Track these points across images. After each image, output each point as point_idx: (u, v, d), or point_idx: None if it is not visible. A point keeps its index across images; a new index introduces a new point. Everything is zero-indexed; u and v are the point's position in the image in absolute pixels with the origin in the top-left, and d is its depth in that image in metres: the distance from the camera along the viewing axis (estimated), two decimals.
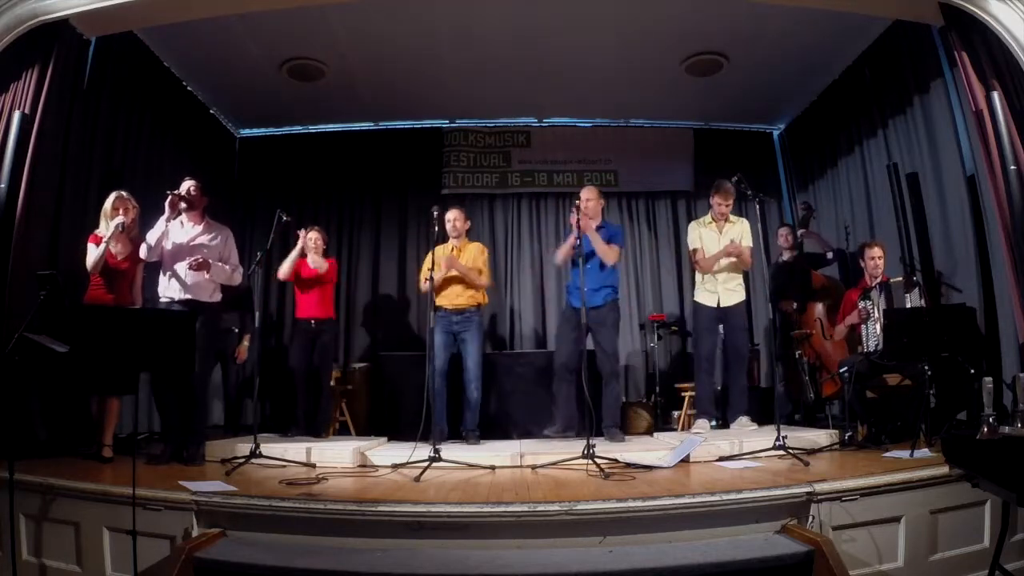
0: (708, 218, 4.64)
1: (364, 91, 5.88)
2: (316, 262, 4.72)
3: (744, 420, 4.35)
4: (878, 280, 4.20)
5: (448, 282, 4.49)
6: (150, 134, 5.14)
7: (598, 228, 4.39)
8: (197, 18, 4.25)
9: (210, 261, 3.73)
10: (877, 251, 4.26)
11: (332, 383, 5.10)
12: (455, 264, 4.46)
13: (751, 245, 4.55)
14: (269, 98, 5.92)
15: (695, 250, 4.58)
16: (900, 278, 4.30)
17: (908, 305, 4.00)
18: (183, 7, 4.09)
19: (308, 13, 4.49)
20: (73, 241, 3.96)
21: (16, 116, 3.61)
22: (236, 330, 5.12)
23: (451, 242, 4.61)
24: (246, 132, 6.68)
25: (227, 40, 4.90)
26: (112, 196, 3.81)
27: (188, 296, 3.71)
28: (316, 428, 4.47)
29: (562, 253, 4.49)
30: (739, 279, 4.54)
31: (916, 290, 4.08)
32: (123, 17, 4.04)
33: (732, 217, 4.59)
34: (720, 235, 4.52)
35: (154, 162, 5.13)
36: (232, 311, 4.94)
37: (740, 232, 4.53)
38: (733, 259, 4.46)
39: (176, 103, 5.49)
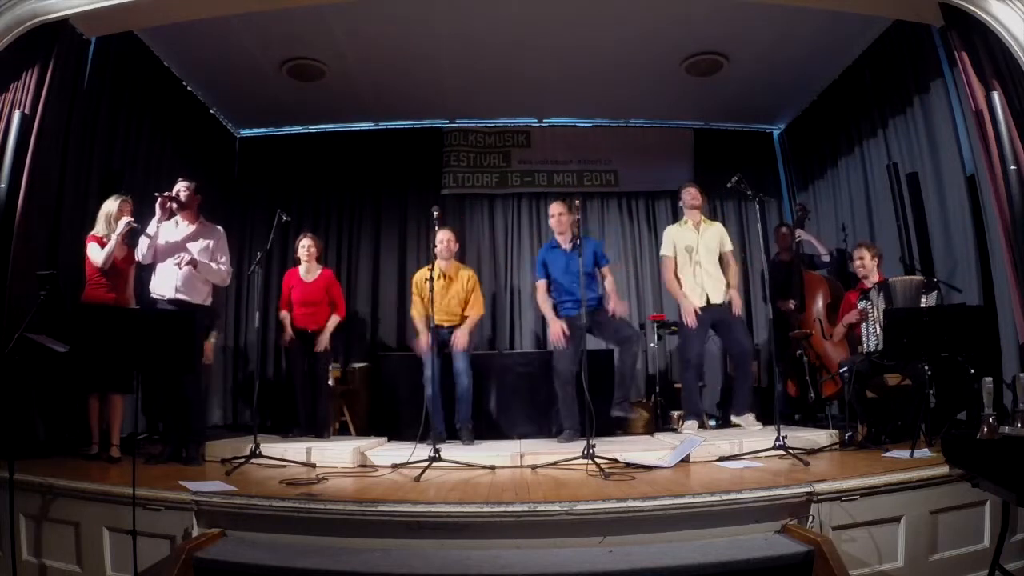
0: (684, 220, 4.63)
1: (364, 91, 5.88)
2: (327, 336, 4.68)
3: (750, 418, 4.28)
4: (874, 281, 4.19)
5: (440, 311, 4.45)
6: (150, 134, 5.14)
7: (574, 242, 4.38)
8: (197, 18, 4.24)
9: (197, 259, 3.73)
10: (861, 252, 4.28)
11: (331, 383, 5.10)
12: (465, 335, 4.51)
13: (731, 248, 4.57)
14: (269, 98, 5.92)
15: (666, 257, 4.56)
16: (899, 277, 4.28)
17: (923, 306, 3.98)
18: (183, 7, 4.08)
19: (308, 13, 4.49)
20: (73, 241, 3.97)
21: (16, 116, 3.61)
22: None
23: (439, 264, 4.54)
24: (246, 132, 6.67)
25: (227, 40, 4.90)
26: (118, 200, 3.83)
27: (180, 296, 3.72)
28: (317, 429, 4.47)
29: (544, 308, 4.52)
30: (722, 277, 4.49)
31: (935, 293, 4.06)
32: (123, 17, 4.04)
33: (706, 220, 4.60)
34: (698, 235, 4.51)
35: (154, 162, 5.13)
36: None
37: (719, 236, 4.54)
38: (715, 259, 4.47)
39: (176, 103, 5.49)
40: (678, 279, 4.50)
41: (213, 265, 3.84)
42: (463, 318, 4.61)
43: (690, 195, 4.59)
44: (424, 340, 4.42)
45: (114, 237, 3.71)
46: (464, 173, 6.62)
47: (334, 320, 4.73)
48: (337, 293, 4.82)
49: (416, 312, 4.64)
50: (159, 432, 4.56)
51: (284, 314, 4.70)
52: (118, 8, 3.86)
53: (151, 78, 5.08)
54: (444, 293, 4.54)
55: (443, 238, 4.55)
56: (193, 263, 3.71)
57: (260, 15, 4.45)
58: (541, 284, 4.51)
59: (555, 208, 4.50)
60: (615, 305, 4.31)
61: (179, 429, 3.72)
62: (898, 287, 4.05)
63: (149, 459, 3.59)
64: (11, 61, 3.71)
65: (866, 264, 4.24)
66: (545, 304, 4.48)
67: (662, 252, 4.63)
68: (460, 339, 4.47)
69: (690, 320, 4.37)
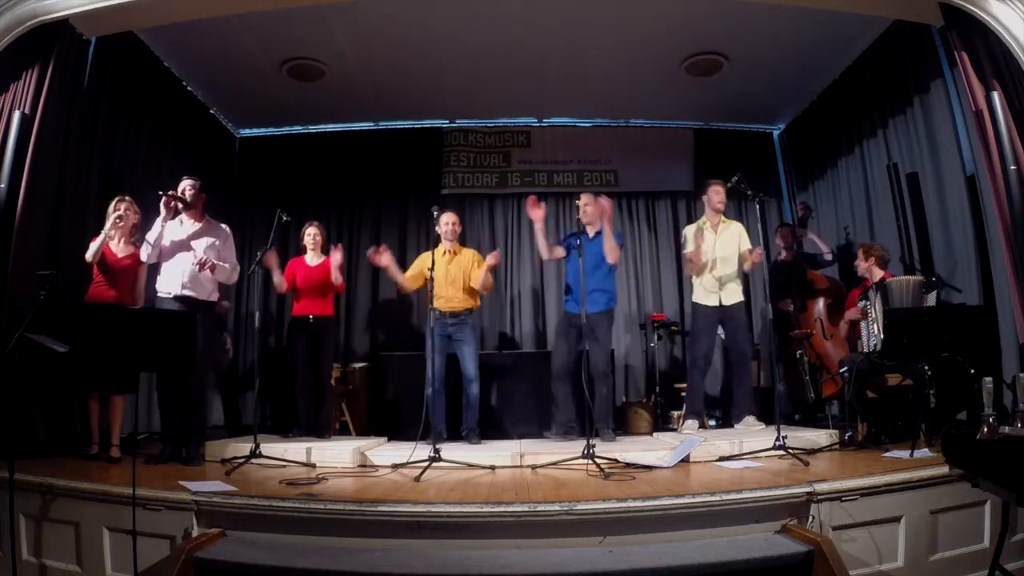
0: (703, 220, 4.64)
1: (364, 91, 5.88)
2: (335, 275, 4.56)
3: (751, 420, 4.32)
4: (876, 280, 4.19)
5: (445, 286, 4.50)
6: (150, 134, 5.14)
7: (598, 233, 4.44)
8: (197, 18, 4.24)
9: (215, 262, 3.78)
10: (859, 253, 4.32)
11: (332, 382, 5.09)
12: (487, 283, 4.54)
13: (749, 247, 4.57)
14: (269, 98, 5.92)
15: (688, 252, 4.57)
16: (895, 277, 4.28)
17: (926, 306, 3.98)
18: (183, 7, 4.09)
19: (308, 13, 4.49)
20: (73, 241, 3.97)
21: (16, 116, 3.61)
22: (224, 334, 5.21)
23: (444, 244, 4.59)
24: (246, 132, 6.67)
25: (227, 40, 4.89)
26: (115, 199, 3.89)
27: (187, 292, 3.74)
28: (319, 429, 4.46)
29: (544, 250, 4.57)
30: (737, 279, 4.55)
31: (935, 292, 4.06)
32: (123, 17, 4.04)
33: (725, 219, 4.61)
34: (716, 236, 4.53)
35: (154, 162, 5.13)
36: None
37: (738, 235, 4.55)
38: (731, 260, 4.48)
39: (176, 103, 5.49)
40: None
41: (227, 266, 3.89)
42: (469, 303, 4.59)
43: (718, 196, 4.56)
44: (396, 274, 4.53)
45: (103, 232, 3.75)
46: (464, 173, 6.61)
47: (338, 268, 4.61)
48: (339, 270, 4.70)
49: (405, 277, 4.64)
50: (158, 432, 4.55)
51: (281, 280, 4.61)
52: (118, 8, 3.86)
53: (151, 78, 5.08)
54: (447, 268, 4.53)
55: (448, 220, 4.59)
56: (212, 267, 3.75)
57: (260, 15, 4.45)
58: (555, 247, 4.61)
59: (584, 199, 4.51)
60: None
61: (181, 429, 3.72)
62: (893, 287, 4.04)
63: (149, 459, 3.59)
64: (11, 61, 3.71)
65: (860, 265, 4.27)
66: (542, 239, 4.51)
67: (684, 251, 4.66)
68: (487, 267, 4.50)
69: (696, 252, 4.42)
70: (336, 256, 4.51)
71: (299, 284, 4.66)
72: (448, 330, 4.51)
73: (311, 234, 4.74)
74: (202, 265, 3.71)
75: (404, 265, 6.41)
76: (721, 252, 4.49)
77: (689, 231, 4.66)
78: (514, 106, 6.42)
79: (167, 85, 5.35)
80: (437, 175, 6.56)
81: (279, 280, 4.60)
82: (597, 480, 3.01)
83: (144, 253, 3.76)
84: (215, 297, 3.93)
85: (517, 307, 6.52)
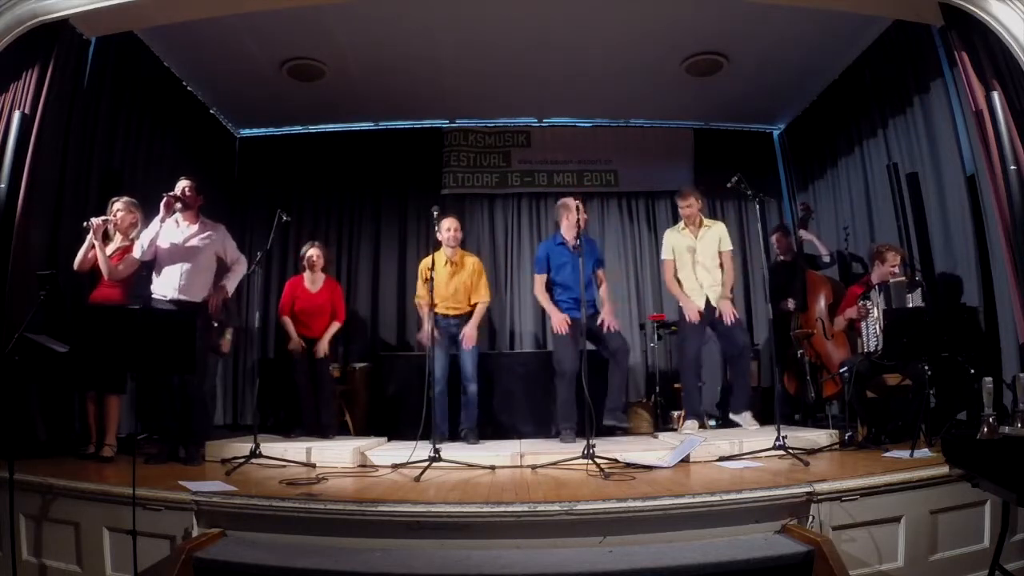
0: (681, 225, 4.64)
1: (364, 91, 5.88)
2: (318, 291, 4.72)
3: (748, 416, 4.28)
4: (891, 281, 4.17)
5: (447, 295, 4.49)
6: (150, 134, 5.14)
7: (578, 239, 4.33)
8: (197, 18, 4.24)
9: (225, 286, 3.86)
10: (887, 255, 4.19)
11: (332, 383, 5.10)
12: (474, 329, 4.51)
13: (731, 248, 4.57)
14: (269, 98, 5.92)
15: (666, 260, 4.58)
16: (901, 278, 4.28)
17: (910, 305, 3.99)
18: (183, 7, 4.09)
19: (308, 13, 4.49)
20: (73, 241, 3.96)
21: (16, 116, 3.61)
22: (216, 324, 5.19)
23: (445, 251, 4.55)
24: (246, 132, 6.67)
25: (227, 40, 4.90)
26: (110, 200, 3.93)
27: (181, 297, 3.73)
28: (321, 429, 4.45)
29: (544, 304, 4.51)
30: (722, 280, 4.51)
31: (919, 291, 4.06)
32: (123, 17, 4.04)
33: (707, 221, 4.59)
34: (696, 240, 4.51)
35: (154, 162, 5.12)
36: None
37: (718, 236, 4.53)
38: (715, 261, 4.47)
39: (176, 103, 5.49)
40: (678, 281, 4.52)
41: (235, 277, 3.96)
42: (471, 307, 4.60)
43: (685, 204, 4.54)
44: (427, 330, 4.30)
45: (87, 240, 3.74)
46: (464, 173, 6.62)
47: (335, 326, 4.76)
48: (339, 299, 4.83)
49: (421, 300, 4.58)
50: (154, 432, 4.55)
51: (286, 319, 4.70)
52: (118, 8, 3.86)
53: (151, 78, 5.08)
54: (450, 280, 4.52)
55: (449, 226, 4.53)
56: (223, 292, 3.86)
57: (260, 15, 4.45)
58: (541, 279, 4.50)
59: (575, 203, 4.44)
60: (609, 317, 4.32)
61: (181, 429, 3.72)
62: (894, 288, 4.04)
63: (148, 459, 3.59)
64: (11, 61, 3.71)
65: (890, 269, 4.14)
66: (545, 298, 4.47)
67: (662, 256, 4.66)
68: (469, 335, 4.46)
69: (692, 316, 4.37)
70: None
71: (297, 308, 4.69)
72: (452, 330, 4.52)
73: (312, 256, 4.74)
74: (168, 205, 3.69)
75: (404, 266, 6.51)
76: (702, 256, 4.47)
77: (668, 237, 4.64)
78: (514, 106, 6.43)
79: (167, 85, 5.35)
80: (437, 175, 6.56)
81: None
82: (597, 480, 3.01)
83: (138, 250, 3.74)
84: (205, 294, 3.91)
85: (516, 307, 6.52)
